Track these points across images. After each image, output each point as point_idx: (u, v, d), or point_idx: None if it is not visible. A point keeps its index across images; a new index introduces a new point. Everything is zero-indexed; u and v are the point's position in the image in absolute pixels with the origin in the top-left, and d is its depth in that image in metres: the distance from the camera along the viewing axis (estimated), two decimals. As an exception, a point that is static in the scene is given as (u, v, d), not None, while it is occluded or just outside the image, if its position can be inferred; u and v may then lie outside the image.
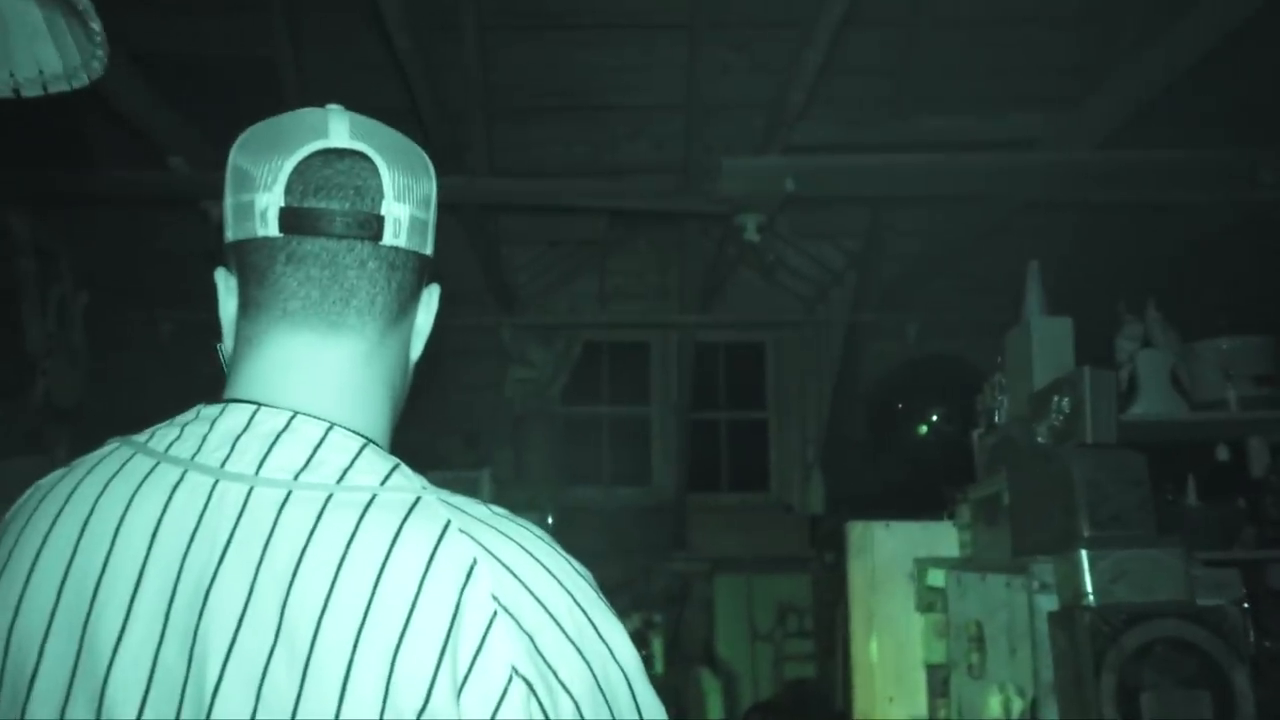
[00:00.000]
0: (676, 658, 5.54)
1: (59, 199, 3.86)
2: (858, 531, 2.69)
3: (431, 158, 0.92)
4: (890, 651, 2.60)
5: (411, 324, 0.90)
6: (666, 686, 5.66)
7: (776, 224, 5.22)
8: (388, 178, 0.83)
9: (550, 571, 0.75)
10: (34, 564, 0.76)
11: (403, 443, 0.89)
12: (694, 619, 6.25)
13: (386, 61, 3.89)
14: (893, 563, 2.63)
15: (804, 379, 6.83)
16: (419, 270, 0.88)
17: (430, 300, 0.92)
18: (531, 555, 0.75)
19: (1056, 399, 2.12)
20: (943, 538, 2.63)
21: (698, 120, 4.60)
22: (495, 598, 0.71)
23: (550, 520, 5.53)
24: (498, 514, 0.78)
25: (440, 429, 5.76)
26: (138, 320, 5.20)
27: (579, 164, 5.10)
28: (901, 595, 2.60)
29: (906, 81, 4.40)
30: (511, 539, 0.75)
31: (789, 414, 6.89)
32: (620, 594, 6.17)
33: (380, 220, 0.82)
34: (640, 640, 4.51)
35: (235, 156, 0.85)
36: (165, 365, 5.55)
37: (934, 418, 3.67)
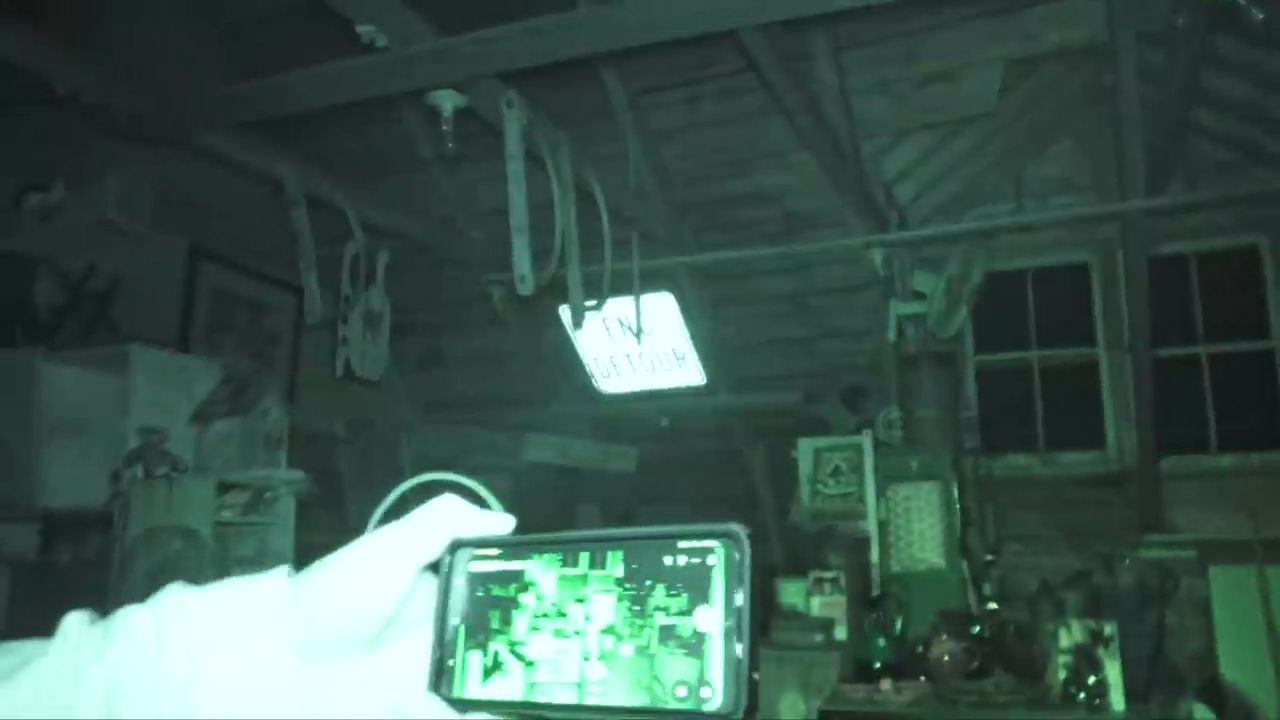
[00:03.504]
0: (1156, 684, 3.95)
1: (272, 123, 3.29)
2: None
3: None
4: None
5: None
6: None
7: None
8: None
9: None
10: None
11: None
12: (1181, 628, 4.61)
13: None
14: None
15: (1328, 289, 4.88)
16: None
17: None
18: None
19: None
20: None
21: None
22: None
23: (955, 493, 4.20)
24: None
25: (814, 387, 4.66)
26: (468, 287, 4.71)
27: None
28: None
29: None
30: None
31: (1308, 339, 4.97)
32: (1071, 595, 4.72)
33: None
34: (1085, 662, 3.07)
35: None
36: (497, 336, 5.06)
37: None
